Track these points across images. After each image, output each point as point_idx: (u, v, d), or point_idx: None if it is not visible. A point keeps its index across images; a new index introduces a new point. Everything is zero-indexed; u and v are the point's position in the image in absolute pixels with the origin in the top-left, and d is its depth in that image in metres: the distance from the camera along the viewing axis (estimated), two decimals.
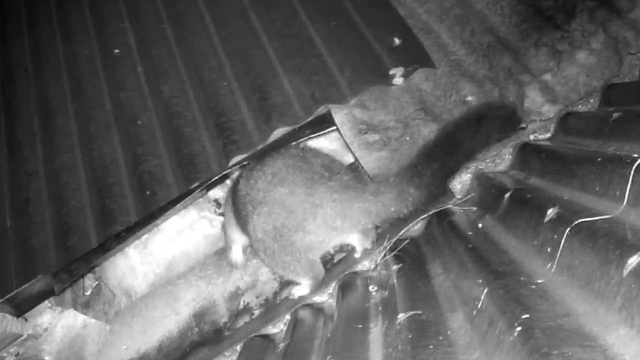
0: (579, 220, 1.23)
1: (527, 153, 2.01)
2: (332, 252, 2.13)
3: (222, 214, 2.55)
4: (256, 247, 2.06)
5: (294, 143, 2.12)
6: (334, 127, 2.13)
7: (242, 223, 2.08)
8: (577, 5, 2.15)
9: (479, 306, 1.25)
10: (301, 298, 2.08)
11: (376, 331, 1.57)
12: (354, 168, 2.11)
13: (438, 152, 1.85)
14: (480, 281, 1.32)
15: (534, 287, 1.23)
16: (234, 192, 2.15)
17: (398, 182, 1.87)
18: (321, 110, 2.17)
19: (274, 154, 2.07)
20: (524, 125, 2.05)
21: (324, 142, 2.39)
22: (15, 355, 2.30)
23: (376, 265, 1.95)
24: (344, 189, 1.92)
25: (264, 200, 1.97)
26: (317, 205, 1.91)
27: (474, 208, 1.94)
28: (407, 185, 1.86)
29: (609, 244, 1.09)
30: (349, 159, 2.35)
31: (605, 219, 1.20)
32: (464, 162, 1.95)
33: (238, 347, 2.08)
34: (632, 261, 0.99)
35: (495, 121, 1.87)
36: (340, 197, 1.91)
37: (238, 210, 2.09)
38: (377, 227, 2.06)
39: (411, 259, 1.85)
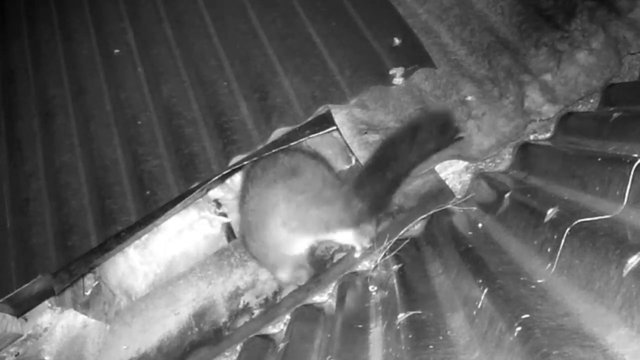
0: (579, 220, 1.23)
1: (527, 153, 2.01)
2: (316, 246, 2.14)
3: (222, 214, 2.56)
4: (243, 246, 2.24)
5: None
6: (334, 127, 2.13)
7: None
8: (577, 5, 2.14)
9: (479, 306, 1.25)
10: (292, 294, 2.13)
11: (376, 331, 1.57)
12: (320, 169, 2.12)
13: (376, 166, 1.87)
14: (480, 281, 1.32)
15: (534, 287, 1.23)
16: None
17: (347, 191, 1.92)
18: (321, 110, 2.17)
19: (259, 160, 2.15)
20: (462, 134, 1.99)
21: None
22: (15, 355, 2.30)
23: (376, 265, 1.95)
24: (301, 192, 1.97)
25: (243, 202, 2.12)
26: (273, 204, 1.98)
27: (474, 208, 1.94)
28: (354, 196, 1.90)
29: (609, 244, 1.09)
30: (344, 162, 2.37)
31: (605, 219, 1.20)
32: (404, 175, 1.93)
33: (238, 347, 2.08)
34: (632, 261, 0.99)
35: (430, 132, 1.87)
36: (295, 199, 1.96)
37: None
38: (376, 226, 2.07)
39: (411, 259, 1.85)
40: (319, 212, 1.94)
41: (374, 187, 1.87)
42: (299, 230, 1.98)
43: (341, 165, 2.40)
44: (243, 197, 2.13)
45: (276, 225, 1.98)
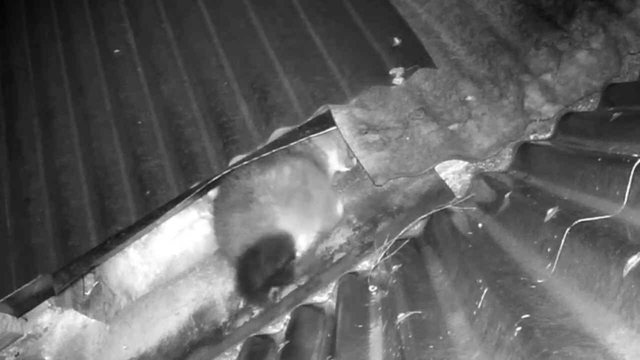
0: (579, 220, 1.23)
1: (527, 153, 2.01)
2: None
3: None
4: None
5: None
6: (334, 127, 2.13)
7: None
8: (577, 5, 2.14)
9: (479, 306, 1.25)
10: None
11: (376, 331, 1.57)
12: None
13: (240, 276, 2.17)
14: (480, 281, 1.32)
15: (534, 287, 1.23)
16: None
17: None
18: (321, 110, 2.17)
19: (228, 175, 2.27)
20: (295, 260, 2.17)
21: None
22: (15, 355, 2.30)
23: (376, 265, 1.95)
24: (249, 226, 2.15)
25: (214, 214, 2.36)
26: (230, 233, 2.20)
27: (474, 208, 1.94)
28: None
29: (609, 244, 1.09)
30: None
31: (605, 219, 1.20)
32: (262, 284, 2.13)
33: (238, 347, 2.08)
34: (632, 261, 0.99)
35: (266, 257, 2.11)
36: (244, 233, 2.15)
37: None
38: (374, 226, 2.07)
39: (411, 259, 1.85)
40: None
41: (245, 290, 2.18)
42: None
43: (340, 167, 2.40)
44: (215, 207, 2.32)
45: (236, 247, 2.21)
